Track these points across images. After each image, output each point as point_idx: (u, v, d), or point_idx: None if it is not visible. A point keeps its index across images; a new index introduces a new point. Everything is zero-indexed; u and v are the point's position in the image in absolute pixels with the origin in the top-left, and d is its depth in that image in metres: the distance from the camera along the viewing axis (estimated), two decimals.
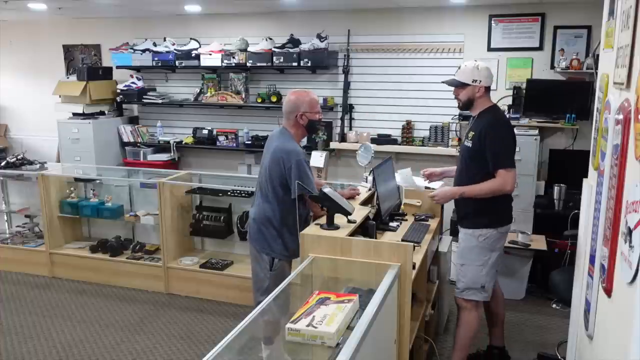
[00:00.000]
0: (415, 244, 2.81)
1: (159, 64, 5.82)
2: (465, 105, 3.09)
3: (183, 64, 5.73)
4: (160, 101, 6.03)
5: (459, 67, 3.12)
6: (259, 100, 5.65)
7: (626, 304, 1.42)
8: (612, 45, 1.93)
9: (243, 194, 4.45)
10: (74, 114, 6.10)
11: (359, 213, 2.94)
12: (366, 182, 3.62)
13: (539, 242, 4.31)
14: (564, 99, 4.68)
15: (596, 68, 4.05)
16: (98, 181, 5.13)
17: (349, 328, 1.85)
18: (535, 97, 4.77)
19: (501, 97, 4.97)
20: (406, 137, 5.30)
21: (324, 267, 2.44)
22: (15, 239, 5.24)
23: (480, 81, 3.00)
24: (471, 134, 3.05)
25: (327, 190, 2.72)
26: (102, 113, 6.19)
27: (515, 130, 4.51)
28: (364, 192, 3.42)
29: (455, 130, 5.06)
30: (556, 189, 4.51)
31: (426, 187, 3.54)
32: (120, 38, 6.14)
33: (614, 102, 1.81)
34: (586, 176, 2.44)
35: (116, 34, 6.21)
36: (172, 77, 6.17)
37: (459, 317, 3.19)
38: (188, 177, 4.96)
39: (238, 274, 4.31)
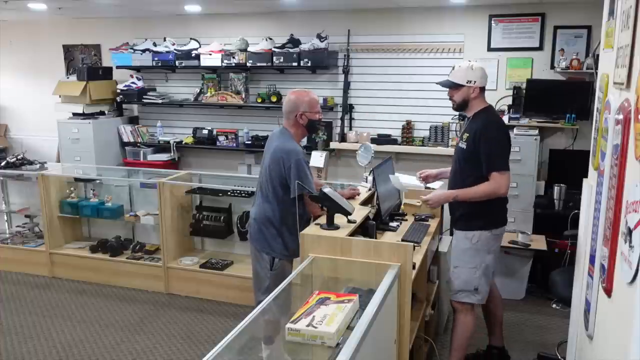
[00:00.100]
0: (415, 244, 2.81)
1: (159, 64, 5.82)
2: (460, 106, 3.06)
3: (183, 64, 5.73)
4: (160, 101, 6.03)
5: (453, 68, 3.08)
6: (259, 100, 5.65)
7: (626, 304, 1.42)
8: (612, 45, 1.93)
9: (243, 194, 4.45)
10: (74, 114, 6.10)
11: (359, 213, 2.94)
12: (366, 182, 3.62)
13: (539, 242, 4.31)
14: (564, 99, 4.68)
15: (596, 68, 4.06)
16: (98, 181, 5.13)
17: (349, 328, 1.85)
18: (535, 97, 4.76)
19: (501, 97, 4.98)
20: (406, 137, 5.29)
21: (324, 267, 2.45)
22: (15, 239, 5.24)
23: (475, 82, 2.97)
24: (466, 135, 3.02)
25: (327, 190, 2.72)
26: (102, 113, 6.19)
27: (515, 130, 4.61)
28: (364, 192, 3.42)
29: (455, 131, 5.06)
30: (556, 189, 4.51)
31: (426, 187, 3.54)
32: (120, 38, 6.14)
33: (614, 102, 1.81)
34: (586, 176, 2.43)
35: (116, 34, 6.21)
36: (172, 77, 6.17)
37: (454, 319, 3.18)
38: (188, 177, 4.96)
39: (238, 274, 4.32)
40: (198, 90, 5.93)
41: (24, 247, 5.05)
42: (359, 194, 3.34)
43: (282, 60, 5.34)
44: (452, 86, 3.03)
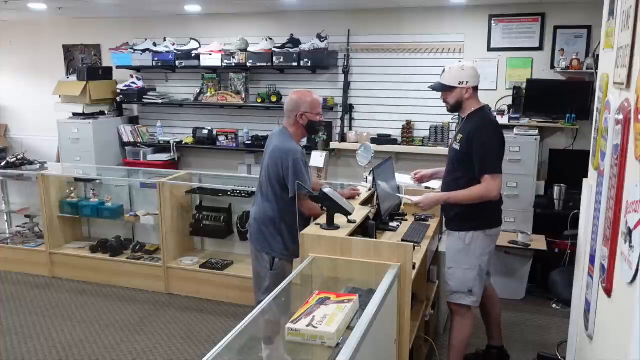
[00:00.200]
0: (415, 244, 2.81)
1: (159, 64, 5.82)
2: (454, 107, 3.03)
3: (183, 64, 5.73)
4: (160, 101, 6.03)
5: (443, 70, 3.04)
6: (259, 100, 5.65)
7: (626, 304, 1.42)
8: (612, 45, 1.93)
9: (243, 194, 4.45)
10: (74, 114, 6.11)
11: (359, 213, 2.94)
12: (366, 182, 3.62)
13: (539, 242, 4.31)
14: (564, 99, 4.68)
15: (596, 68, 4.06)
16: (98, 181, 5.13)
17: (349, 328, 1.85)
18: (535, 97, 4.77)
19: (501, 97, 4.98)
20: (406, 137, 5.30)
21: (324, 267, 2.44)
22: (15, 239, 5.24)
23: (467, 82, 2.94)
24: (459, 136, 2.99)
25: (327, 190, 2.71)
26: (102, 113, 6.19)
27: (515, 130, 4.61)
28: (364, 192, 3.42)
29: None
30: (556, 189, 4.51)
31: (426, 187, 3.54)
32: (120, 38, 6.14)
33: (614, 102, 1.81)
34: (586, 176, 2.43)
35: (116, 34, 6.21)
36: (172, 77, 6.17)
37: (452, 321, 3.16)
38: (188, 177, 4.96)
39: (238, 274, 4.32)
40: (198, 90, 5.93)
41: (24, 247, 5.05)
42: (359, 194, 3.34)
43: (282, 60, 5.34)
44: (444, 89, 3.00)
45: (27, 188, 5.32)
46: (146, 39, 5.94)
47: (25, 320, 4.06)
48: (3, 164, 5.17)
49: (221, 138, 5.80)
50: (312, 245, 2.50)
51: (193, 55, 5.69)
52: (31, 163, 5.26)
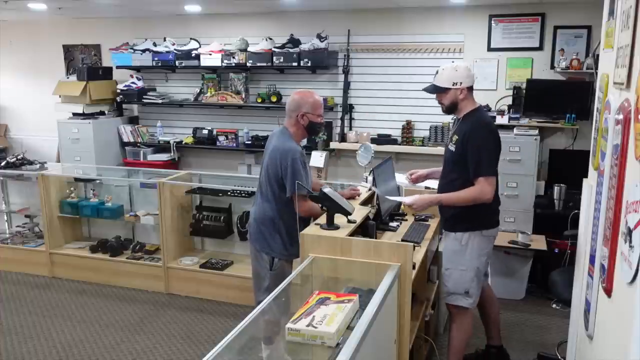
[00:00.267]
0: (415, 244, 2.81)
1: (159, 64, 5.82)
2: (449, 109, 3.00)
3: (183, 64, 5.73)
4: (160, 101, 6.03)
5: (437, 72, 3.01)
6: (259, 100, 5.65)
7: (626, 304, 1.42)
8: (612, 45, 1.93)
9: (243, 194, 4.45)
10: (74, 114, 6.11)
11: (359, 213, 2.94)
12: (366, 182, 3.62)
13: (539, 242, 4.31)
14: (564, 99, 4.68)
15: (596, 68, 4.06)
16: (98, 181, 5.13)
17: (349, 328, 1.85)
18: (535, 97, 4.77)
19: (501, 97, 4.98)
20: (406, 137, 5.30)
21: (324, 267, 2.45)
22: (15, 239, 5.24)
23: (461, 82, 2.91)
24: (455, 137, 2.97)
25: (327, 190, 2.71)
26: (102, 113, 6.20)
27: (515, 130, 4.61)
28: (364, 192, 3.42)
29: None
30: (556, 189, 4.51)
31: (426, 187, 3.54)
32: (120, 38, 6.14)
33: (614, 102, 1.81)
34: (586, 176, 2.43)
35: (116, 34, 6.21)
36: (172, 77, 6.17)
37: (450, 323, 3.15)
38: (188, 177, 4.96)
39: (238, 274, 4.31)
40: (198, 90, 5.93)
41: (24, 247, 5.05)
42: (359, 194, 3.34)
43: (282, 60, 5.34)
44: (439, 91, 2.98)
45: (27, 188, 5.32)
46: (146, 39, 5.95)
47: (25, 320, 4.06)
48: (3, 164, 5.17)
49: (221, 138, 5.80)
50: (312, 245, 2.50)
51: (193, 55, 5.69)
52: (31, 163, 5.26)
